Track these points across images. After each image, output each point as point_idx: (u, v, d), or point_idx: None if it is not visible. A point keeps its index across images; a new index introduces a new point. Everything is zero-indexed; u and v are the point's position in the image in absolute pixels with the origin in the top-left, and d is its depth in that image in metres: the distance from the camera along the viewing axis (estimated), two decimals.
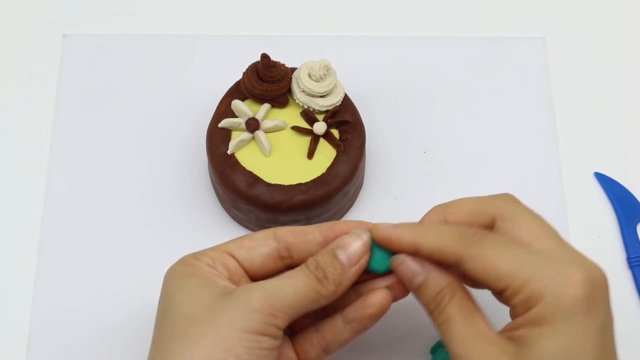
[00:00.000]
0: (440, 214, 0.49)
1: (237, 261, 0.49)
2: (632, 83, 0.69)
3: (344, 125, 0.61)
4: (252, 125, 0.60)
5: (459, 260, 0.45)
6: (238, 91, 0.62)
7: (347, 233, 0.49)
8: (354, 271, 0.47)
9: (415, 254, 0.47)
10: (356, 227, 0.49)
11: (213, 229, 0.63)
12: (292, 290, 0.46)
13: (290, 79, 0.61)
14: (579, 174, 0.66)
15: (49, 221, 0.63)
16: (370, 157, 0.65)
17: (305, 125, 0.61)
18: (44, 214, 0.63)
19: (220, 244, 0.50)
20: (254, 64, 0.61)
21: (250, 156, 0.60)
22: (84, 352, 0.59)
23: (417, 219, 0.63)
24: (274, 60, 0.61)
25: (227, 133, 0.61)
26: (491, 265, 0.44)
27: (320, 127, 0.60)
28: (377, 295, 0.48)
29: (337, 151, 0.60)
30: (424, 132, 0.66)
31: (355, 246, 0.48)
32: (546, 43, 0.70)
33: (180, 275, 0.48)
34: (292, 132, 0.61)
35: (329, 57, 0.62)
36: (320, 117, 0.61)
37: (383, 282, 0.49)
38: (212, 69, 0.68)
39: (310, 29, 0.71)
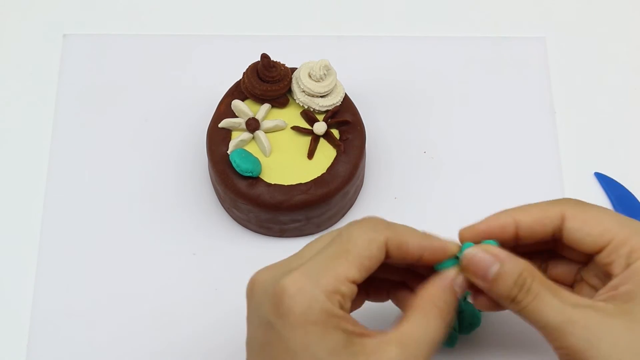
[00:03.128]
0: (508, 215, 0.49)
1: (356, 286, 0.46)
2: (632, 83, 0.69)
3: (344, 125, 0.61)
4: (252, 125, 0.60)
5: (561, 219, 0.47)
6: (238, 91, 0.62)
7: (440, 250, 0.49)
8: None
9: (514, 237, 0.48)
10: (444, 246, 0.49)
11: (213, 229, 0.63)
12: (428, 341, 0.45)
13: (290, 79, 0.61)
14: (579, 174, 0.66)
15: (49, 221, 0.63)
16: (370, 157, 0.65)
17: (306, 125, 0.61)
18: (44, 214, 0.63)
19: (340, 265, 0.45)
20: (254, 64, 0.61)
21: None
22: (84, 352, 0.59)
23: (417, 219, 0.63)
24: (274, 60, 0.61)
25: (227, 133, 0.61)
26: (596, 221, 0.47)
27: (320, 127, 0.60)
28: None
29: (337, 151, 0.60)
30: (424, 132, 0.66)
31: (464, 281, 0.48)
32: (546, 43, 0.70)
33: (322, 327, 0.44)
34: (292, 132, 0.61)
35: (329, 57, 0.62)
36: (321, 117, 0.61)
37: None
38: (212, 69, 0.68)
39: (310, 29, 0.71)
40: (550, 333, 0.45)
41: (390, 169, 0.65)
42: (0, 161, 0.66)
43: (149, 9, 0.72)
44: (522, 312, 0.46)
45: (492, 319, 0.59)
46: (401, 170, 0.65)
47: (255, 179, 0.59)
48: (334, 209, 0.61)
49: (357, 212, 0.64)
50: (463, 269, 0.48)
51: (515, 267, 0.46)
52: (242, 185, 0.59)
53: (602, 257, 0.47)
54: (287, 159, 0.60)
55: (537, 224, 0.48)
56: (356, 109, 0.62)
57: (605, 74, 0.69)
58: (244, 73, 0.61)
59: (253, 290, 0.47)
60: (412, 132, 0.66)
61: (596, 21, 0.71)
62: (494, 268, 0.46)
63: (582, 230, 0.47)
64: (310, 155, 0.60)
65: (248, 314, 0.48)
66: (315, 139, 0.60)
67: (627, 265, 0.46)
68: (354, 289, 0.46)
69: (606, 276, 0.48)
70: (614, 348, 0.44)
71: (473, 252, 0.47)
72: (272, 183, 0.59)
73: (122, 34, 0.70)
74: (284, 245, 0.62)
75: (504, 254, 0.47)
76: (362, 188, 0.64)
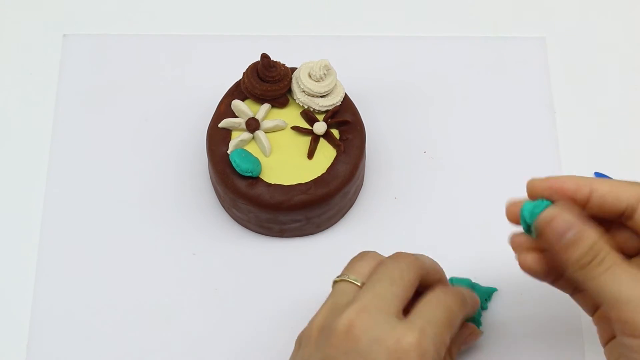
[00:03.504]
0: (585, 180, 0.49)
1: None
2: (632, 83, 0.69)
3: (344, 125, 0.61)
4: (252, 125, 0.60)
5: (637, 202, 0.46)
6: (238, 91, 0.62)
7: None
8: None
9: (585, 201, 0.48)
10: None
11: (213, 229, 0.63)
12: None
13: (290, 79, 0.61)
14: (579, 174, 0.65)
15: (49, 221, 0.63)
16: (370, 157, 0.65)
17: (306, 125, 0.61)
18: (44, 214, 0.63)
19: (448, 332, 0.49)
20: (254, 64, 0.61)
21: None
22: (84, 352, 0.59)
23: (417, 219, 0.63)
24: (274, 60, 0.61)
25: (227, 133, 0.61)
26: None
27: (320, 127, 0.60)
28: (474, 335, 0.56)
29: (337, 151, 0.60)
30: (424, 132, 0.66)
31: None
32: (546, 43, 0.70)
33: None
34: (292, 132, 0.61)
35: (329, 57, 0.62)
36: (320, 117, 0.61)
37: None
38: (212, 69, 0.68)
39: (310, 29, 0.71)
40: (617, 306, 0.45)
41: (390, 169, 0.65)
42: (0, 161, 0.66)
43: (149, 9, 0.72)
44: (588, 282, 0.46)
45: (492, 321, 0.60)
46: (401, 170, 0.65)
47: (255, 179, 0.59)
48: (334, 209, 0.61)
49: (357, 212, 0.64)
50: (536, 230, 0.48)
51: (591, 235, 0.46)
52: (242, 185, 0.59)
53: None
54: (287, 159, 0.60)
55: (612, 198, 0.47)
56: (356, 109, 0.62)
57: (605, 74, 0.69)
58: (244, 73, 0.61)
59: (355, 335, 0.48)
60: (412, 132, 0.66)
61: (596, 21, 0.71)
62: (570, 234, 0.46)
63: None
64: (310, 155, 0.60)
65: (345, 353, 0.48)
66: (315, 139, 0.60)
67: None
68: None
69: None
70: None
71: (552, 215, 0.47)
72: (272, 183, 0.59)
73: (122, 34, 0.70)
74: (283, 245, 0.62)
75: (582, 219, 0.47)
76: (362, 188, 0.64)
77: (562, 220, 0.47)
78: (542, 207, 0.48)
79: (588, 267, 0.46)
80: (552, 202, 0.48)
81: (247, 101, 0.61)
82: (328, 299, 0.51)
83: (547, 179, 0.49)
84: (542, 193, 0.49)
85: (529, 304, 0.60)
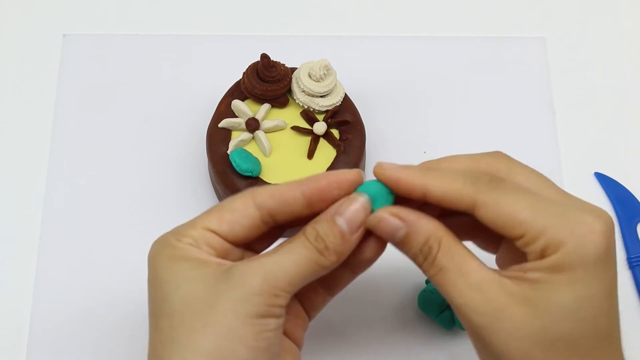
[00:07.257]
0: (422, 177, 0.45)
1: (220, 237, 0.45)
2: (632, 83, 0.69)
3: (344, 125, 0.61)
4: (252, 125, 0.60)
5: (473, 205, 0.43)
6: (238, 91, 0.62)
7: (328, 188, 0.45)
8: (355, 238, 0.45)
9: (422, 198, 0.44)
10: (338, 179, 0.45)
11: None
12: (292, 266, 0.43)
13: (290, 79, 0.61)
14: (579, 174, 0.66)
15: (49, 221, 0.63)
16: (370, 157, 0.65)
17: (305, 125, 0.61)
18: (44, 214, 0.63)
19: (198, 218, 0.45)
20: (254, 64, 0.61)
21: None
22: (84, 351, 0.59)
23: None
24: (274, 60, 0.61)
25: (227, 133, 0.61)
26: (508, 211, 0.42)
27: (320, 127, 0.60)
28: (371, 242, 0.46)
29: (337, 151, 0.60)
30: (424, 132, 0.66)
31: (355, 211, 0.44)
32: (546, 43, 0.70)
33: (168, 259, 0.45)
34: (292, 132, 0.61)
35: (329, 57, 0.62)
36: (320, 117, 0.61)
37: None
38: (212, 69, 0.68)
39: (310, 29, 0.71)
40: (455, 311, 0.43)
41: None
42: (1, 161, 0.66)
43: (149, 9, 0.72)
44: (430, 279, 0.44)
45: None
46: None
47: (255, 179, 0.59)
48: None
49: None
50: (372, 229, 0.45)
51: (421, 232, 0.44)
52: (242, 185, 0.59)
53: (517, 244, 0.43)
54: (287, 159, 0.60)
55: (446, 200, 0.44)
56: (356, 109, 0.62)
57: (605, 74, 0.69)
58: (244, 73, 0.61)
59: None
60: (412, 132, 0.66)
61: (596, 21, 0.71)
62: (400, 232, 0.44)
63: (494, 223, 0.43)
64: (310, 155, 0.60)
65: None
66: (315, 139, 0.60)
67: (542, 257, 0.42)
68: (210, 235, 0.45)
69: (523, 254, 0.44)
70: (512, 336, 0.42)
71: (379, 217, 0.44)
72: (272, 183, 0.59)
73: (122, 34, 0.70)
74: None
75: (412, 216, 0.44)
76: None
77: (388, 221, 0.44)
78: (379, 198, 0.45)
79: (423, 266, 0.44)
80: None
81: (247, 101, 0.61)
82: None
83: (389, 170, 0.45)
84: (383, 181, 0.45)
85: None
